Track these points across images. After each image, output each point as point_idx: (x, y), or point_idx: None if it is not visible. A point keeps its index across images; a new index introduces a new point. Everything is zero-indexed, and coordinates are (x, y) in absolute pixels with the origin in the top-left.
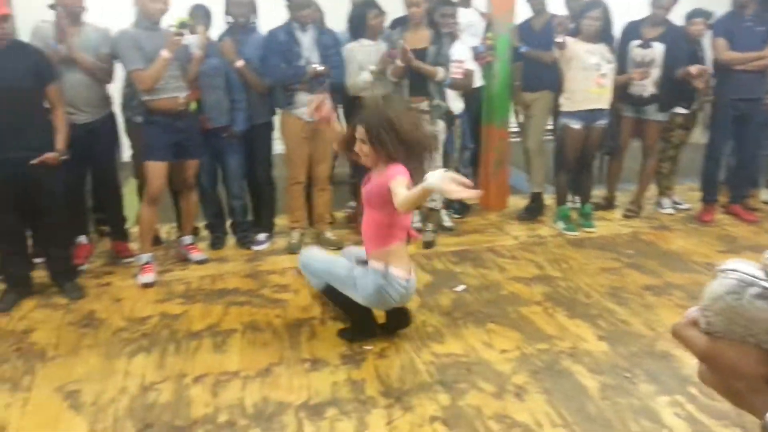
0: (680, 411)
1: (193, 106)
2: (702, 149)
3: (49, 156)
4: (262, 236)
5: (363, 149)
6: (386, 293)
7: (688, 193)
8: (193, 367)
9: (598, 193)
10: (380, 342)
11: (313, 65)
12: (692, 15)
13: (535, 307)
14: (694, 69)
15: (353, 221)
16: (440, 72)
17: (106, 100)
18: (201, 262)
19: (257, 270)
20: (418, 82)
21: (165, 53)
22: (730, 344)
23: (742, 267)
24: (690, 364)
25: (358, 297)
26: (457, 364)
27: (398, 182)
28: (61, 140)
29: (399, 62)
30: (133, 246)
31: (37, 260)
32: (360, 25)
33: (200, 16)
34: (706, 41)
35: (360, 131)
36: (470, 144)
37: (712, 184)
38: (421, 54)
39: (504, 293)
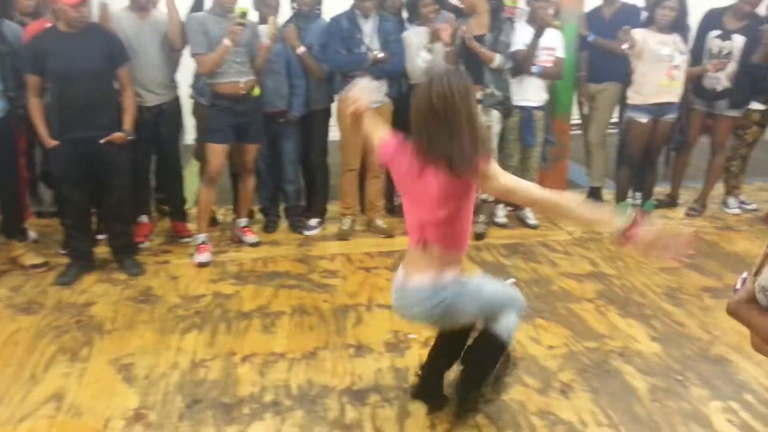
0: (734, 418)
1: (257, 91)
2: None
3: (117, 135)
4: (313, 221)
5: None
6: None
7: (757, 193)
8: (242, 346)
9: (660, 189)
10: (425, 331)
11: (374, 52)
12: None
13: (586, 304)
14: None
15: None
16: (497, 59)
17: (173, 83)
18: (254, 245)
19: (307, 255)
20: (473, 70)
21: (226, 41)
22: None
23: None
24: (747, 369)
25: None
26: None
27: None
28: (128, 121)
29: (443, 45)
30: (191, 226)
31: (100, 236)
32: (414, 12)
33: (269, 4)
34: None
35: None
36: (552, 138)
37: None
38: (477, 41)
39: (554, 289)
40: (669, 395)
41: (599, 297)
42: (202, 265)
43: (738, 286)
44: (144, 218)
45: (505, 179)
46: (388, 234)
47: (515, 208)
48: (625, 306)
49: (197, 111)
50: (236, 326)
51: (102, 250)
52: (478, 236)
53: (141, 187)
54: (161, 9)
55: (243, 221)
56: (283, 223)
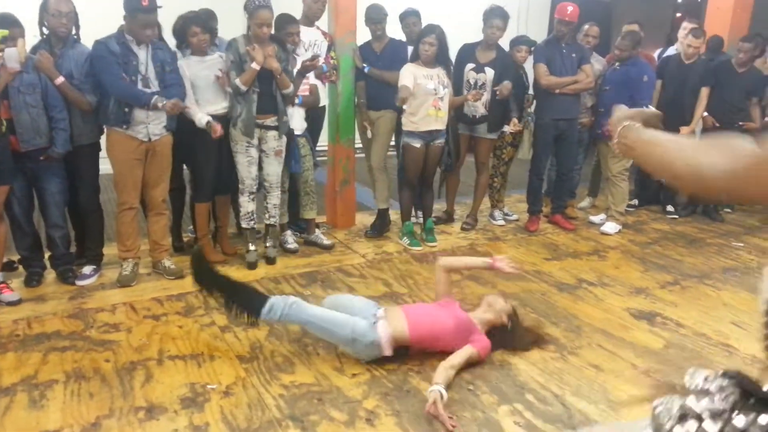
0: (519, 419)
1: (3, 127)
2: (527, 164)
3: None
4: (87, 269)
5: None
6: (369, 355)
7: (516, 205)
8: (4, 428)
9: (438, 207)
10: (225, 379)
11: (159, 100)
12: (516, 42)
13: None
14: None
15: (191, 246)
16: (291, 86)
17: None
18: (13, 303)
19: (82, 308)
20: (267, 99)
21: None
22: None
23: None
24: (524, 370)
25: (346, 347)
26: (308, 394)
27: (467, 353)
28: None
29: (254, 65)
30: None
31: None
32: (182, 40)
33: (12, 26)
34: (528, 66)
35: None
36: (317, 162)
37: (536, 197)
38: (267, 71)
39: None
40: (464, 406)
41: None
42: None
43: None
44: None
45: None
46: (178, 275)
47: (305, 233)
48: None
49: None
50: None
51: None
52: (270, 260)
53: None
54: None
55: None
56: (50, 275)
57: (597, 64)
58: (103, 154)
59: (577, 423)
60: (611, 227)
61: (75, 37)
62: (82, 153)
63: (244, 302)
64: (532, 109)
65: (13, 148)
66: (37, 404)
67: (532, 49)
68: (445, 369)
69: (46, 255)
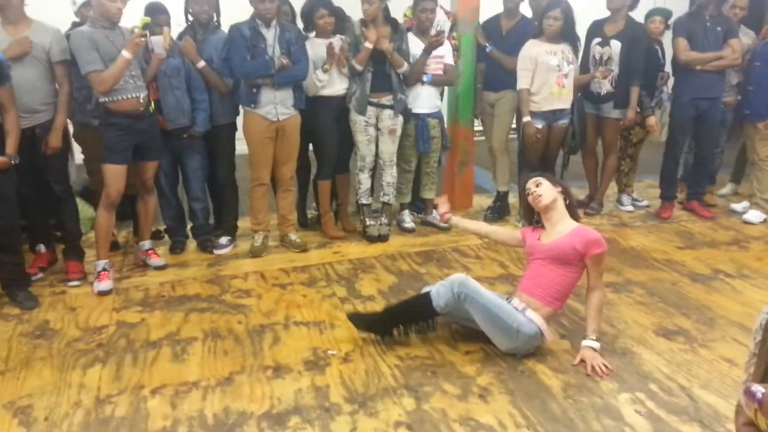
0: (641, 408)
1: (152, 106)
2: (660, 147)
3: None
4: (224, 240)
5: (547, 194)
6: (529, 348)
7: (647, 190)
8: (150, 378)
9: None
10: (345, 346)
11: (280, 57)
12: (651, 13)
13: None
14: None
15: (318, 222)
16: (405, 65)
17: (53, 103)
18: (160, 268)
19: (219, 275)
20: (381, 78)
21: (126, 54)
22: None
23: None
24: (649, 360)
25: (507, 340)
26: (422, 366)
27: (599, 266)
28: (11, 144)
29: (367, 44)
30: (91, 252)
31: None
32: (309, 22)
33: (159, 14)
34: (666, 40)
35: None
36: (447, 142)
37: (670, 181)
38: (379, 50)
39: None
40: (581, 391)
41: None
42: (102, 293)
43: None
44: (42, 247)
45: None
46: (303, 248)
47: (422, 213)
48: None
49: (83, 134)
50: (144, 357)
51: None
52: (382, 238)
53: (33, 213)
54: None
55: (147, 243)
56: (191, 243)
57: (745, 38)
58: (239, 135)
59: (704, 416)
60: (755, 216)
61: (216, 23)
62: (219, 132)
63: (416, 315)
64: (669, 87)
65: (160, 127)
66: (179, 358)
67: (669, 21)
68: (593, 314)
69: (189, 225)
